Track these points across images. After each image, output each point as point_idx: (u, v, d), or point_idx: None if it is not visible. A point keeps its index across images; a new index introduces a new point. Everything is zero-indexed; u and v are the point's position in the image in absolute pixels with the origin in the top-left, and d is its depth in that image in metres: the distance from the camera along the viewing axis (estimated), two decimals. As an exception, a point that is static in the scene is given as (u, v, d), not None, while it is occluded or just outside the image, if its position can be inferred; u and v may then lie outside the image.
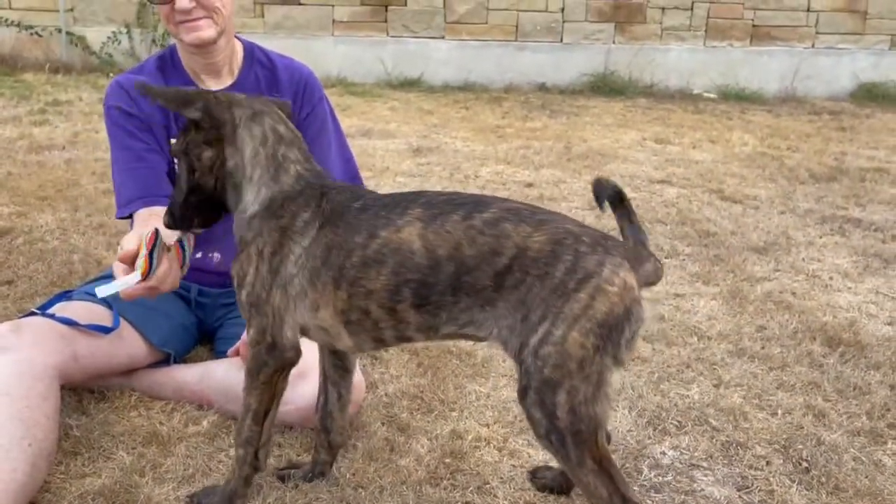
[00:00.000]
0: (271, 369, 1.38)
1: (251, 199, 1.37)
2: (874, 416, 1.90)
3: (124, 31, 6.58)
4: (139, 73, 1.87)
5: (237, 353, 1.77)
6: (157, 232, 1.46)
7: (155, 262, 1.45)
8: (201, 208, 1.43)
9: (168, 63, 1.88)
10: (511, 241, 1.22)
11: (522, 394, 1.23)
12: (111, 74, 6.38)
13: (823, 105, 6.45)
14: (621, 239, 1.30)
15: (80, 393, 1.83)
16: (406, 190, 3.77)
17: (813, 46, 6.83)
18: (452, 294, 1.24)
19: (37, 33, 6.58)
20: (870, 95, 6.74)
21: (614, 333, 1.19)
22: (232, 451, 1.65)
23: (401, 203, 1.30)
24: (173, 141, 1.83)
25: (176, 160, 1.50)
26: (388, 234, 1.27)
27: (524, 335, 1.21)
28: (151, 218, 1.71)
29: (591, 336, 1.18)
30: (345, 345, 1.38)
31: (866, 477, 1.67)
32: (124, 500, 1.47)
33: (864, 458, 1.73)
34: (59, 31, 6.59)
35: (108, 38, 6.60)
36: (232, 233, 1.43)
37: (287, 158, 1.38)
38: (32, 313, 1.71)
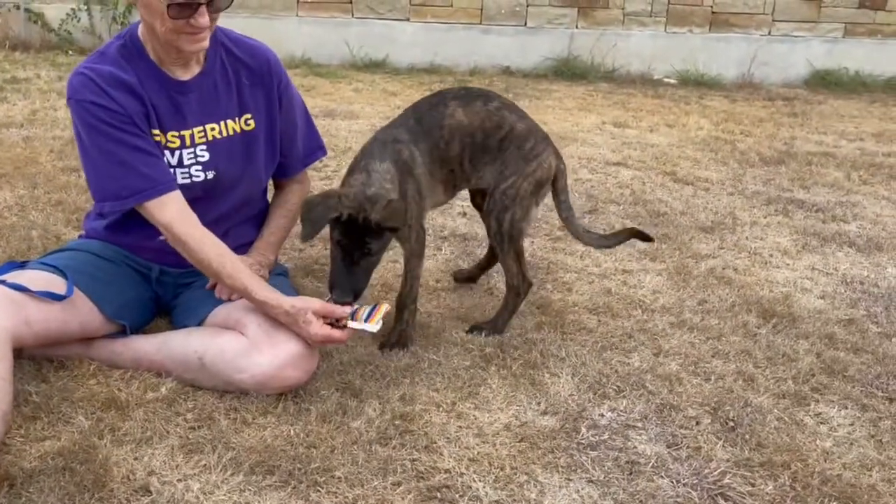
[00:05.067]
0: (424, 243, 2.09)
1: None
2: (799, 381, 2.03)
3: (84, 7, 6.48)
4: (101, 62, 1.82)
5: (213, 286, 1.94)
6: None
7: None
8: None
9: (132, 50, 1.84)
10: (507, 122, 2.10)
11: (489, 213, 2.12)
12: (70, 52, 6.29)
13: (778, 91, 6.62)
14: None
15: (40, 362, 1.87)
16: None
17: (769, 34, 7.00)
18: (482, 151, 2.08)
19: (-7, 9, 6.44)
20: (823, 82, 6.94)
21: (541, 188, 2.15)
22: (189, 415, 1.72)
23: (438, 103, 2.07)
24: (154, 131, 1.83)
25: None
26: (448, 121, 2.05)
27: (498, 181, 2.10)
28: (167, 206, 1.79)
29: (531, 186, 2.10)
30: (441, 203, 2.23)
31: (787, 435, 1.79)
32: (82, 461, 1.53)
33: (786, 419, 1.86)
34: (18, 7, 6.47)
35: (68, 14, 6.48)
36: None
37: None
38: (-16, 281, 1.74)
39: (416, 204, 2.00)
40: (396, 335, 2.07)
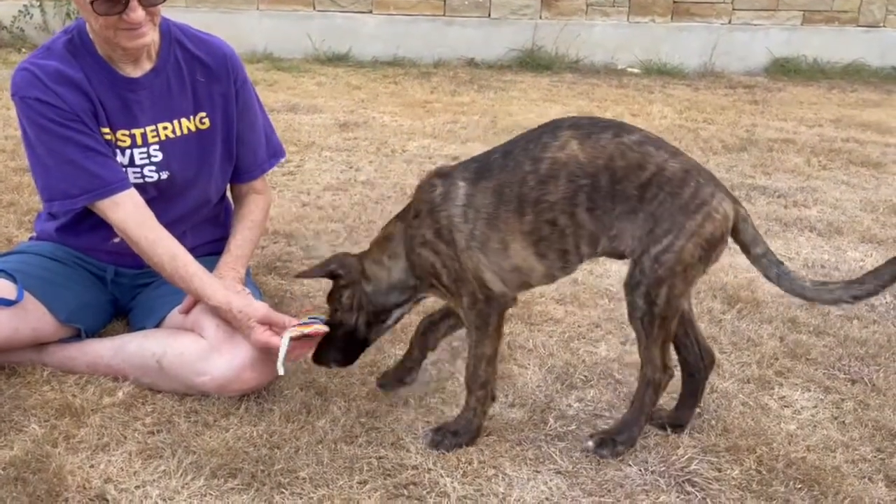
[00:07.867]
0: (496, 318, 1.60)
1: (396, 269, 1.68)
2: (763, 365, 2.05)
3: (36, 4, 6.30)
4: (47, 57, 1.75)
5: (187, 311, 1.80)
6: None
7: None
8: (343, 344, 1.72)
9: (79, 46, 1.77)
10: (653, 161, 1.53)
11: (633, 287, 1.57)
12: (23, 49, 6.11)
13: (739, 79, 6.70)
14: None
15: (-10, 369, 1.80)
16: (333, 163, 3.78)
17: (730, 23, 7.07)
18: (611, 200, 1.54)
19: (-59, 6, 6.23)
20: (783, 70, 7.03)
21: (713, 250, 1.56)
22: (147, 419, 1.67)
23: (543, 133, 1.58)
24: (104, 129, 1.78)
25: None
26: (552, 153, 1.54)
27: (647, 245, 1.54)
28: (119, 206, 1.74)
29: (699, 249, 1.53)
30: (539, 275, 1.61)
31: (752, 419, 1.81)
32: (35, 470, 1.48)
33: (751, 403, 1.88)
34: (-34, 4, 6.26)
35: (20, 11, 6.30)
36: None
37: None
38: (-68, 287, 1.67)
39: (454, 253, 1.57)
40: (459, 422, 1.65)
